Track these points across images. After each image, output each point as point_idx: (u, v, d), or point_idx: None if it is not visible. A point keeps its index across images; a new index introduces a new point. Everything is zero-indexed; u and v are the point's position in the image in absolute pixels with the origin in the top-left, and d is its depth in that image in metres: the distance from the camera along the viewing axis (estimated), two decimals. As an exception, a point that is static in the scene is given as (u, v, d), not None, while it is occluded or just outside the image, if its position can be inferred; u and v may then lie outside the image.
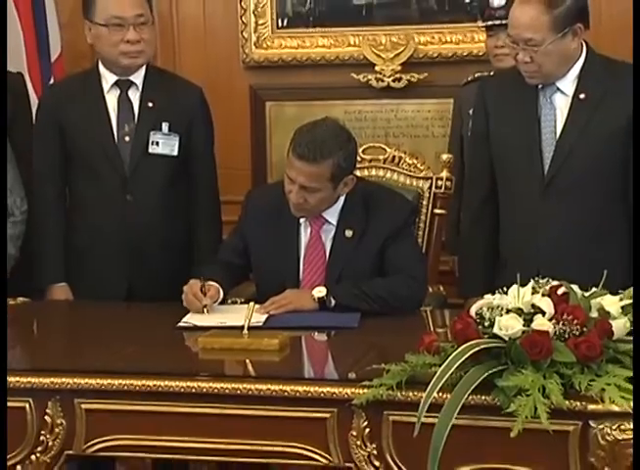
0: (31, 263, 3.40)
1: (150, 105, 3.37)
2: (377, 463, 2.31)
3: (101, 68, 3.40)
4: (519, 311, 2.24)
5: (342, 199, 3.05)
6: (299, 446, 2.35)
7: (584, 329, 2.20)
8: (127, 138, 3.36)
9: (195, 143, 3.42)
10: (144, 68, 3.40)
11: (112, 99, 3.38)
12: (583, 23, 2.89)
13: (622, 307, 2.27)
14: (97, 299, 3.29)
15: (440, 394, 2.16)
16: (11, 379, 2.43)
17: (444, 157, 3.46)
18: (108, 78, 3.38)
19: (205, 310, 2.89)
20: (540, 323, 2.20)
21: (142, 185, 3.35)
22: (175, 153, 3.37)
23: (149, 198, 3.36)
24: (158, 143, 3.36)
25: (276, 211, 3.07)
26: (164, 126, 3.36)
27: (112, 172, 3.35)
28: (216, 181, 3.52)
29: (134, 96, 3.39)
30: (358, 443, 2.31)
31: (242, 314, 2.70)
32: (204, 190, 3.45)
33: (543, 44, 2.85)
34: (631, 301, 2.29)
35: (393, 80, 4.10)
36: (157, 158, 3.36)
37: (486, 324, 2.24)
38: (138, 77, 3.39)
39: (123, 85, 3.38)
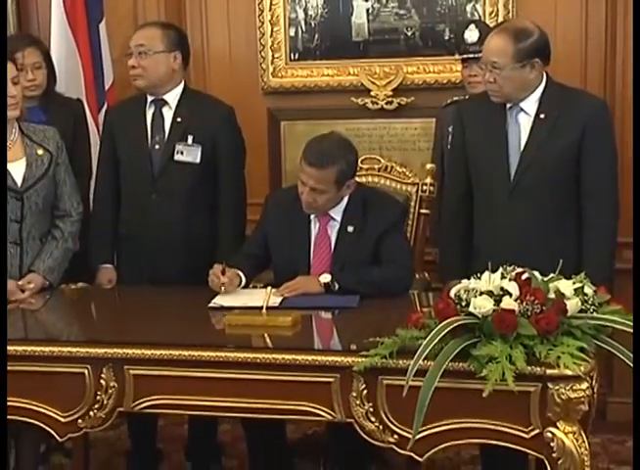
0: (87, 254, 3.40)
1: (178, 120, 3.35)
2: (373, 419, 2.32)
3: None
4: (490, 293, 2.24)
5: (345, 199, 3.03)
6: (309, 404, 2.36)
7: (544, 308, 2.20)
8: (157, 146, 3.34)
9: (220, 153, 3.37)
10: (180, 89, 3.38)
11: (149, 114, 3.38)
12: (542, 59, 2.89)
13: (575, 290, 2.27)
14: (124, 283, 3.31)
15: (425, 361, 2.16)
16: (72, 349, 2.45)
17: (428, 166, 3.47)
18: (148, 98, 3.39)
19: (223, 288, 2.87)
20: (507, 303, 2.20)
21: (166, 187, 3.32)
22: (198, 161, 3.34)
23: (172, 198, 3.32)
24: (182, 152, 3.33)
25: (291, 209, 3.06)
26: (189, 138, 3.33)
27: (142, 174, 3.33)
28: (240, 186, 3.45)
29: (167, 113, 3.37)
30: (357, 402, 2.31)
31: (261, 297, 2.69)
32: (227, 194, 3.39)
33: (504, 69, 2.85)
34: (582, 284, 2.29)
35: (386, 103, 4.08)
36: (181, 164, 3.33)
37: (463, 304, 2.25)
38: (172, 97, 3.37)
39: (158, 103, 3.38)
